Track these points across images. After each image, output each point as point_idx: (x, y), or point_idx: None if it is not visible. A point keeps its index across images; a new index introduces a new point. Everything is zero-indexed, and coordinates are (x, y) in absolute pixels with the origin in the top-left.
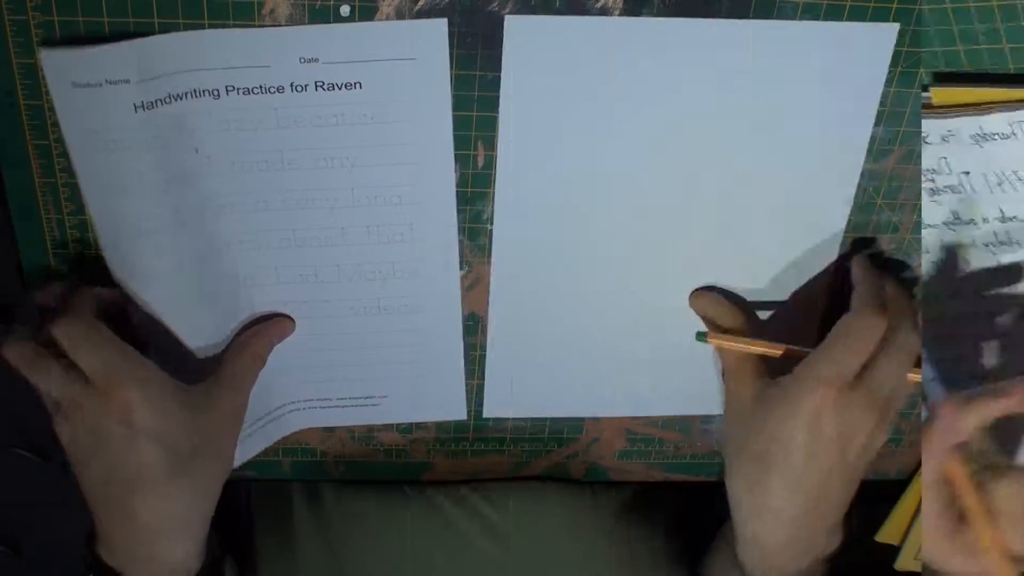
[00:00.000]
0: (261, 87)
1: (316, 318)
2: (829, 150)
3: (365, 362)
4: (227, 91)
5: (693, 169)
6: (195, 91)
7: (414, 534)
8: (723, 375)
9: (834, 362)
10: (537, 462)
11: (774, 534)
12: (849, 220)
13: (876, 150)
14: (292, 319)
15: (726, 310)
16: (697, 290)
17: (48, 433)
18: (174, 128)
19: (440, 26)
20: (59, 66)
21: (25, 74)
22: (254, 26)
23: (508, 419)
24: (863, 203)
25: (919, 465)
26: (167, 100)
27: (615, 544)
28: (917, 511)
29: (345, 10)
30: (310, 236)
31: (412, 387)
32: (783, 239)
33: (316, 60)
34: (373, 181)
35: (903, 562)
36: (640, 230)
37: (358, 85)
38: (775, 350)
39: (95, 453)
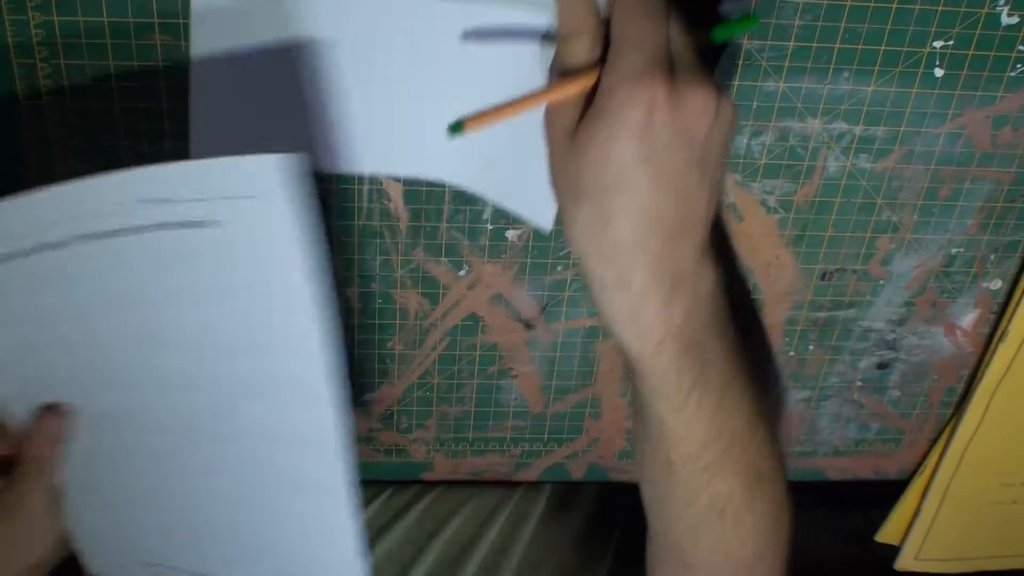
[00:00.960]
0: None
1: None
2: None
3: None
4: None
5: None
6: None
7: (415, 534)
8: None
9: (639, 48)
10: (537, 462)
11: (633, 277)
12: (848, 221)
13: (876, 150)
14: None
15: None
16: None
17: None
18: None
19: (278, 162)
20: None
21: (25, 74)
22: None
23: (508, 419)
24: (863, 203)
25: (919, 465)
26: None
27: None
28: (917, 511)
29: None
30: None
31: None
32: None
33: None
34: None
35: (903, 562)
36: None
37: (216, 223)
38: (568, 86)
39: None
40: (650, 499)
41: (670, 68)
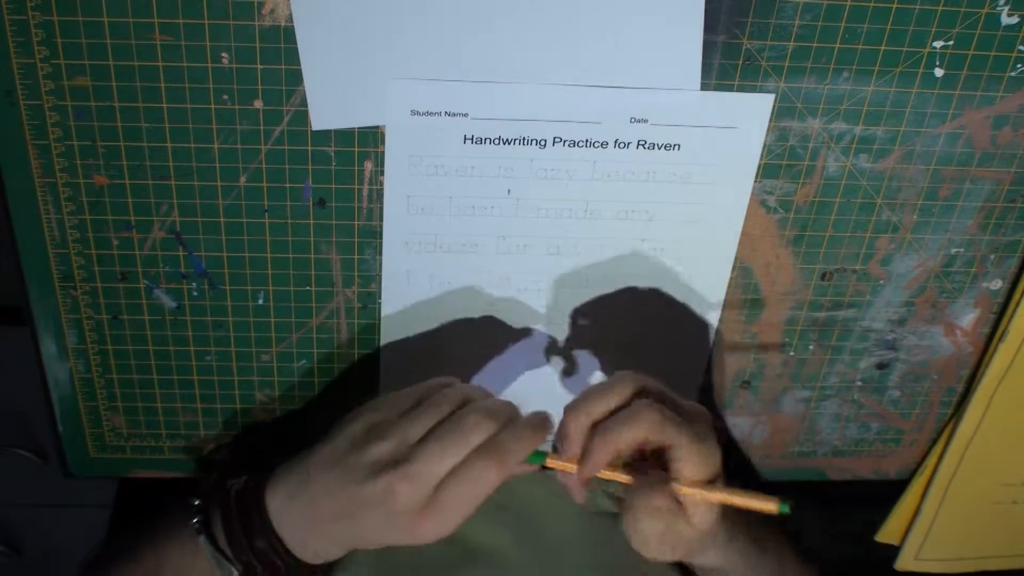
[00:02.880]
0: (587, 141)
1: None
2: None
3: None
4: (553, 142)
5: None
6: (523, 139)
7: None
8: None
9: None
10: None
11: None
12: (848, 221)
13: (876, 150)
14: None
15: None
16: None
17: (48, 433)
18: (493, 167)
19: (767, 100)
20: (403, 95)
21: (25, 74)
22: (582, 87)
23: None
24: (863, 203)
25: (919, 465)
26: (495, 141)
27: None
28: (917, 511)
29: None
30: (591, 278)
31: None
32: None
33: (645, 121)
34: (663, 235)
35: (903, 562)
36: None
37: (676, 147)
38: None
39: (372, 489)
40: None
41: None
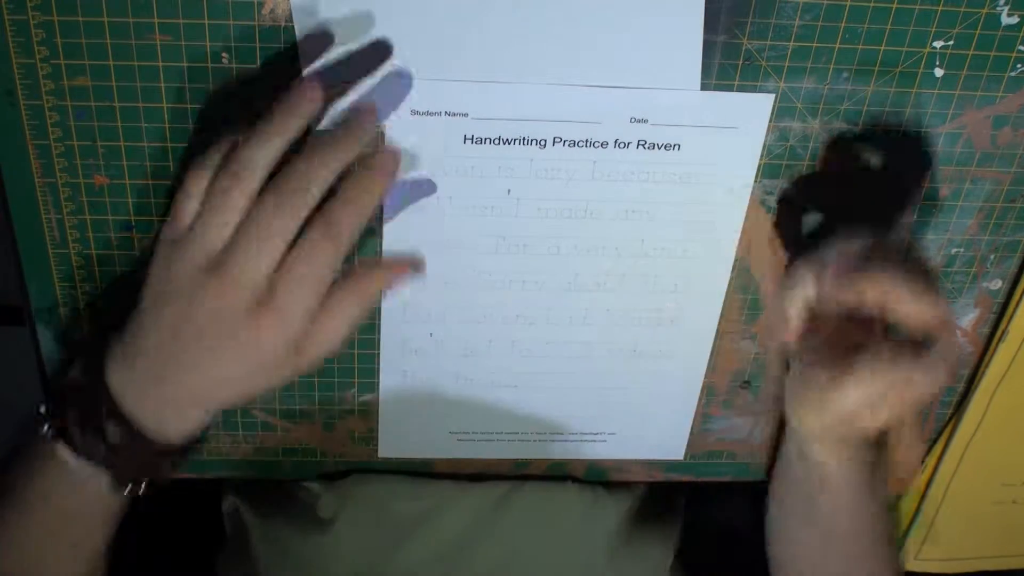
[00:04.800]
0: (587, 141)
1: (573, 358)
2: None
3: (601, 400)
4: (553, 142)
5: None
6: (523, 139)
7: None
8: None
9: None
10: (538, 461)
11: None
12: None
13: (874, 151)
14: (417, 265)
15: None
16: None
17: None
18: (493, 167)
19: (767, 100)
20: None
21: (25, 74)
22: (583, 86)
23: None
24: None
25: (918, 465)
26: (495, 141)
27: (619, 547)
28: (917, 511)
29: None
30: (589, 280)
31: (641, 426)
32: None
33: (645, 121)
34: (664, 235)
35: (903, 562)
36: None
37: (676, 147)
38: None
39: (200, 294)
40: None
41: None
